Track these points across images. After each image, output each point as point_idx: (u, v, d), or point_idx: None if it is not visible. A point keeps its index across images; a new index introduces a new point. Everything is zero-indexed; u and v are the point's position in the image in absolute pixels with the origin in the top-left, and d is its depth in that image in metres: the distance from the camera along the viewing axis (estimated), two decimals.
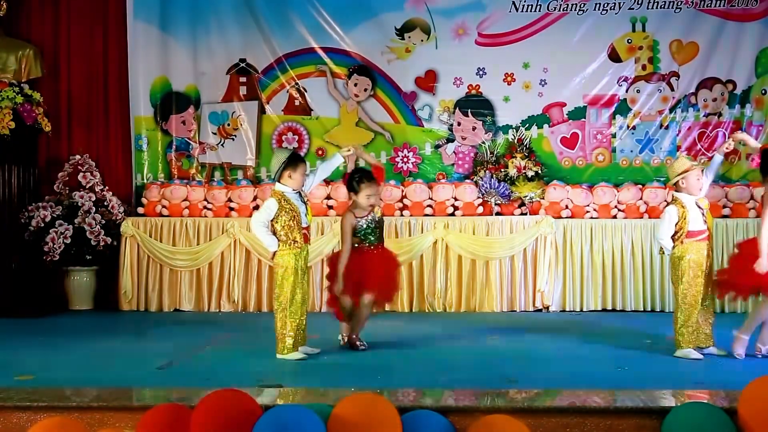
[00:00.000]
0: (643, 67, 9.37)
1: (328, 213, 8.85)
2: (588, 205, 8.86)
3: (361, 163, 7.27)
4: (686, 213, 5.96)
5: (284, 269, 5.95)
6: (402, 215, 8.84)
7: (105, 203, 8.77)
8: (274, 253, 6.00)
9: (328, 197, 8.95)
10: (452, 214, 8.88)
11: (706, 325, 6.09)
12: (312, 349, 6.12)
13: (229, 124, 9.52)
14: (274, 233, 5.97)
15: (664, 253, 6.26)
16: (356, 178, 6.34)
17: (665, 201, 8.69)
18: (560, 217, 8.73)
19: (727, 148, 6.43)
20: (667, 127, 9.38)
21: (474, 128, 9.43)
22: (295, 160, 6.03)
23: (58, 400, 4.47)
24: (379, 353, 6.13)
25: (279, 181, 6.02)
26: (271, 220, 5.97)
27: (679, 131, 9.38)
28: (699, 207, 6.02)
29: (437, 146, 9.46)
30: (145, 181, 9.36)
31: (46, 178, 8.97)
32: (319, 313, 8.42)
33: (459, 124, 9.45)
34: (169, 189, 9.04)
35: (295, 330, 5.97)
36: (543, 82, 9.38)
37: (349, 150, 6.32)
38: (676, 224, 5.96)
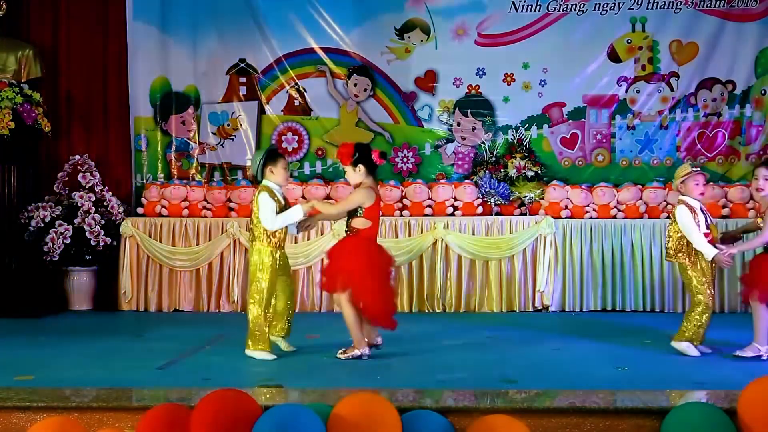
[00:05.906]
0: (643, 68, 9.37)
1: None
2: (587, 206, 8.86)
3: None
4: (696, 212, 6.00)
5: (261, 264, 5.98)
6: (402, 215, 8.83)
7: (105, 203, 8.77)
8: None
9: (328, 197, 8.94)
10: (452, 215, 8.88)
11: None
12: (290, 346, 6.18)
13: (228, 125, 9.52)
14: (255, 228, 5.97)
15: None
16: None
17: (665, 201, 8.74)
18: (560, 218, 8.72)
19: None
20: (666, 128, 9.38)
21: (474, 128, 9.43)
22: (273, 156, 6.09)
23: (57, 400, 4.48)
24: (379, 353, 6.11)
25: (264, 179, 6.08)
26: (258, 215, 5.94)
27: (679, 131, 9.37)
28: (704, 212, 6.07)
29: (437, 146, 9.46)
30: (145, 181, 9.36)
31: (45, 178, 8.96)
32: (319, 312, 8.45)
33: (459, 124, 9.45)
34: (169, 189, 9.03)
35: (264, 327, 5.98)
36: (543, 83, 9.38)
37: (311, 205, 6.08)
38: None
